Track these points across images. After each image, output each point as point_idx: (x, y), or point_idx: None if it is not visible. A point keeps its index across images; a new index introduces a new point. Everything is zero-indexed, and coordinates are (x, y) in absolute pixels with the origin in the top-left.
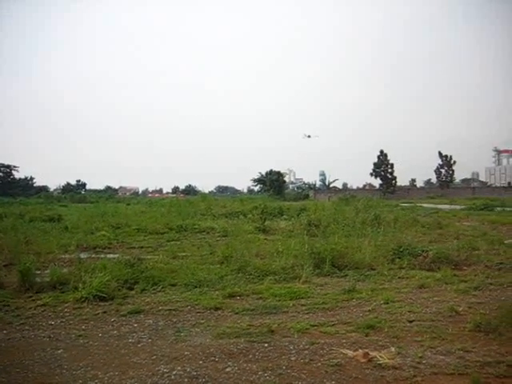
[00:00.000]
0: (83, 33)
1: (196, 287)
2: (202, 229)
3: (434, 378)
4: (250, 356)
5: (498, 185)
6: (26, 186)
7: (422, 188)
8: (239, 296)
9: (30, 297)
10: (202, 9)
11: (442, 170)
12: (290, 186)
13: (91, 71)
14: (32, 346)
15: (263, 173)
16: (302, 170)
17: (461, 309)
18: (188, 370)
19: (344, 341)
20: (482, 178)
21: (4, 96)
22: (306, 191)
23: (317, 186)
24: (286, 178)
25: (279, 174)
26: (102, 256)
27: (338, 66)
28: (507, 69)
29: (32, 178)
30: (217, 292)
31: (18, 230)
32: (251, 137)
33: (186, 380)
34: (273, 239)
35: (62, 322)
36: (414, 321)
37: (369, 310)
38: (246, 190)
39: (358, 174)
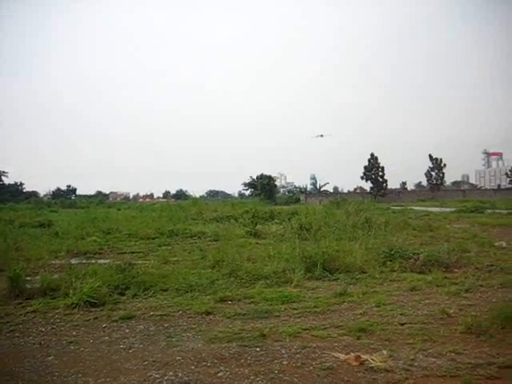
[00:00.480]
0: (81, 33)
1: (187, 292)
2: (193, 233)
3: (425, 381)
4: (242, 360)
5: (488, 187)
6: (16, 192)
7: (412, 191)
8: (231, 300)
9: (20, 303)
10: (201, 9)
11: (433, 173)
12: (281, 189)
13: (82, 75)
14: (22, 353)
15: (254, 177)
16: (293, 174)
17: (452, 311)
18: (180, 375)
19: (336, 344)
20: (472, 181)
21: None
22: (297, 195)
23: (308, 189)
24: (277, 182)
25: (270, 178)
26: (93, 261)
27: (331, 71)
28: (496, 73)
29: (21, 184)
30: (208, 297)
31: (7, 235)
32: (242, 141)
33: None
34: (264, 243)
35: (52, 328)
36: (405, 323)
37: (360, 313)
38: (237, 195)
39: (348, 178)
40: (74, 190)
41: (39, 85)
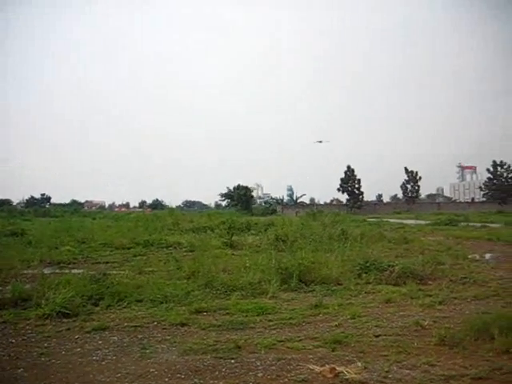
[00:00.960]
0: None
1: (162, 303)
2: (168, 244)
3: None
4: (217, 372)
5: (462, 200)
6: None
7: (388, 203)
8: (206, 312)
9: None
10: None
11: (408, 186)
12: (258, 200)
13: (58, 80)
14: None
15: (231, 188)
16: (270, 185)
17: (426, 323)
18: None
19: (311, 356)
20: (447, 194)
21: None
22: (273, 206)
23: (284, 201)
24: (254, 193)
25: (247, 189)
26: (67, 271)
27: (305, 82)
28: (471, 89)
29: None
30: (183, 308)
31: None
32: (219, 152)
33: None
34: (240, 254)
35: (23, 339)
36: (380, 335)
37: (335, 325)
38: (213, 205)
39: (325, 190)
40: (49, 199)
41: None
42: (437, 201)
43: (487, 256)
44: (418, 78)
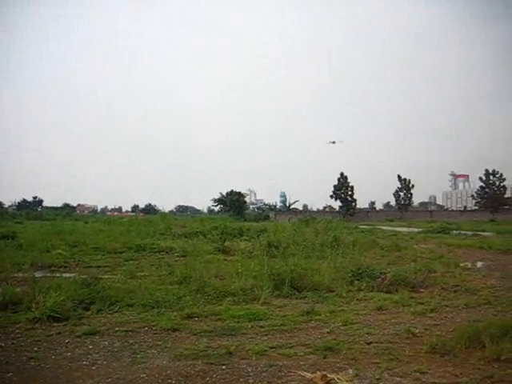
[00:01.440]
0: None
1: (154, 308)
2: (161, 248)
3: None
4: (208, 378)
5: (455, 208)
6: None
7: (381, 210)
8: (197, 317)
9: None
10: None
11: (401, 194)
12: (251, 206)
13: (52, 82)
14: None
15: (224, 193)
16: (263, 191)
17: (417, 331)
18: None
19: (302, 363)
20: (440, 202)
21: None
22: (266, 212)
23: (277, 207)
24: (247, 199)
25: (240, 195)
26: (58, 275)
27: (299, 89)
28: (464, 97)
29: None
30: (175, 313)
31: None
32: (213, 157)
33: None
34: (232, 260)
35: (12, 343)
36: (371, 343)
37: (327, 332)
38: (206, 210)
39: (318, 196)
40: (41, 202)
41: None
42: (429, 209)
43: (479, 264)
44: (412, 86)
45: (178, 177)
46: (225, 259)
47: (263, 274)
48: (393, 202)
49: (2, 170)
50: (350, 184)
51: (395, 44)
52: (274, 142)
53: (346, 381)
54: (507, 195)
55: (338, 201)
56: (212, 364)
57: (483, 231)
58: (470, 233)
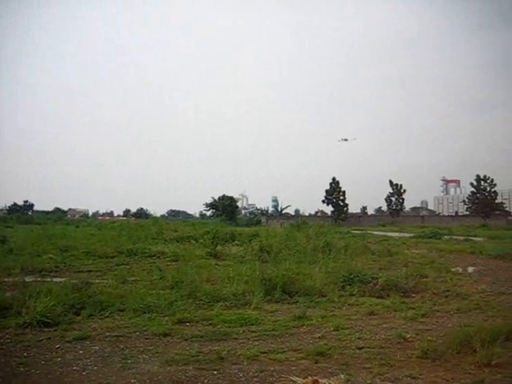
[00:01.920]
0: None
1: (145, 313)
2: (152, 253)
3: None
4: None
5: (446, 213)
6: None
7: (372, 215)
8: (189, 322)
9: None
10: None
11: (393, 199)
12: (243, 211)
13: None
14: None
15: (216, 198)
16: (255, 196)
17: (409, 336)
18: None
19: (294, 368)
20: (431, 207)
21: None
22: (258, 217)
23: (269, 211)
24: (239, 204)
25: (232, 200)
26: (48, 280)
27: (289, 93)
28: (456, 102)
29: None
30: (166, 318)
31: None
32: (205, 162)
33: None
34: (224, 265)
35: (1, 348)
36: (363, 348)
37: (319, 337)
38: (198, 215)
39: (310, 201)
40: (32, 206)
41: None
42: (421, 214)
43: (470, 269)
44: (404, 92)
45: (170, 181)
46: (216, 264)
47: (255, 279)
48: (384, 207)
49: None
50: (342, 189)
51: (388, 47)
52: (266, 146)
53: None
54: (498, 200)
55: (330, 206)
56: (203, 369)
57: (474, 236)
58: (461, 238)
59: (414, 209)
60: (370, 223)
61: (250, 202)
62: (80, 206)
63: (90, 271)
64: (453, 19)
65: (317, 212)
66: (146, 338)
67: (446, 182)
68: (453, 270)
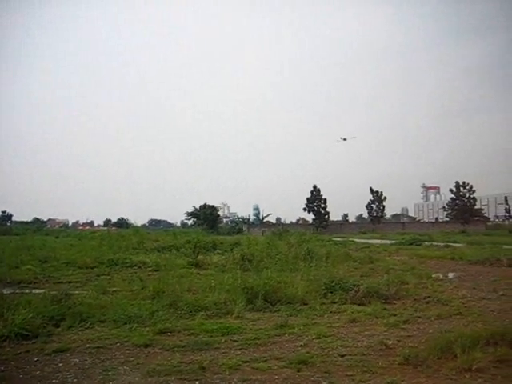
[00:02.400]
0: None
1: (126, 323)
2: (133, 263)
3: None
4: None
5: (427, 220)
6: None
7: (354, 223)
8: (170, 332)
9: None
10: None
11: (374, 206)
12: (224, 220)
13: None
14: None
15: (197, 206)
16: (236, 205)
17: (390, 342)
18: None
19: (276, 377)
20: (412, 214)
21: None
22: (239, 225)
23: (251, 220)
24: (220, 212)
25: (213, 208)
26: (27, 291)
27: (271, 102)
28: (435, 110)
29: None
30: (147, 328)
31: None
32: (185, 170)
33: None
34: (205, 274)
35: None
36: (345, 355)
37: (301, 345)
38: (179, 224)
39: (291, 209)
40: (10, 216)
41: None
42: (401, 220)
43: (450, 275)
44: (383, 99)
45: (151, 190)
46: (198, 273)
47: (236, 288)
48: (365, 215)
49: None
50: (323, 197)
51: (372, 56)
52: (247, 155)
53: None
54: (477, 206)
55: (311, 213)
56: (185, 380)
57: (454, 242)
58: (441, 244)
59: (394, 216)
60: (352, 231)
61: (231, 211)
62: (60, 216)
63: (70, 282)
64: (435, 28)
65: (298, 220)
66: (127, 349)
67: (426, 188)
68: (433, 276)
